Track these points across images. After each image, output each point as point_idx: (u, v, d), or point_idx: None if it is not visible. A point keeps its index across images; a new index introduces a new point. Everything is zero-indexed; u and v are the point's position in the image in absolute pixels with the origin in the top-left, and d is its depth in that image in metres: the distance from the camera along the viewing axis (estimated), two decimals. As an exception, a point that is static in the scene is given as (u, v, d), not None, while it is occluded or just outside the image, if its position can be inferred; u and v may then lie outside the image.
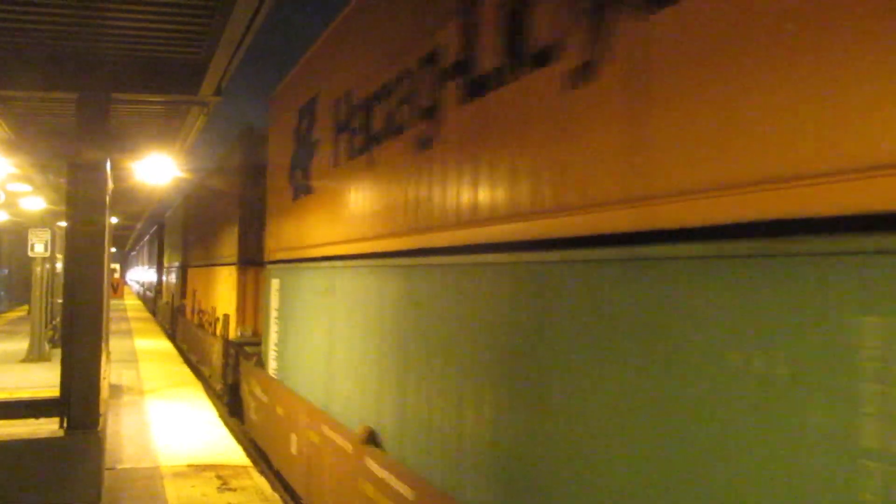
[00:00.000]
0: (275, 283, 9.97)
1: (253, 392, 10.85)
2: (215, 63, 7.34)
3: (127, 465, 8.97)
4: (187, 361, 19.70)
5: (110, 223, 11.13)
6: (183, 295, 24.86)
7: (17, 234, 27.56)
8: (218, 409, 13.11)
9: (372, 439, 5.91)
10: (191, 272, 23.00)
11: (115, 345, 19.74)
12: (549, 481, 3.63)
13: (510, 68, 3.93)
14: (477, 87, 4.31)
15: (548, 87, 3.59)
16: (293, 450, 8.25)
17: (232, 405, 13.08)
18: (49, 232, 17.77)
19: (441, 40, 4.79)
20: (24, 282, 30.02)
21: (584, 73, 3.34)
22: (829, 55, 2.21)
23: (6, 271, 43.06)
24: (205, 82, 7.90)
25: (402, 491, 5.02)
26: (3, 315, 36.07)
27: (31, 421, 7.98)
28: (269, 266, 10.38)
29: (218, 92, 8.33)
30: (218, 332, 15.38)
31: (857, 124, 2.13)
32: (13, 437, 7.39)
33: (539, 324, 3.68)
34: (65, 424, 7.33)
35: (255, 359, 11.10)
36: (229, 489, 8.17)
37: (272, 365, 9.93)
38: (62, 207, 13.36)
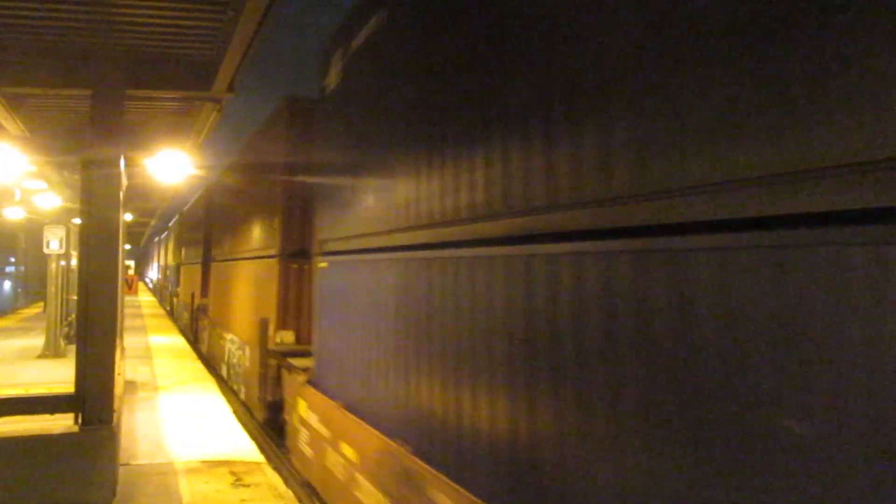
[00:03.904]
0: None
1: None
2: (228, 59, 7.34)
3: (141, 461, 9.01)
4: (201, 357, 19.72)
5: (124, 220, 11.17)
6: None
7: (34, 231, 27.78)
8: (231, 405, 13.16)
9: None
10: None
11: (129, 341, 19.87)
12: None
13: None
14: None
15: None
16: None
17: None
18: (64, 229, 17.89)
19: None
20: (41, 278, 30.27)
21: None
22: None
23: (23, 268, 43.52)
24: (217, 78, 7.90)
25: None
26: (20, 311, 36.45)
27: (47, 417, 8.04)
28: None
29: (231, 88, 8.33)
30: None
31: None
32: (29, 432, 7.45)
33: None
34: (79, 420, 7.36)
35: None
36: (243, 485, 8.18)
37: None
38: (77, 204, 13.44)
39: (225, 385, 15.90)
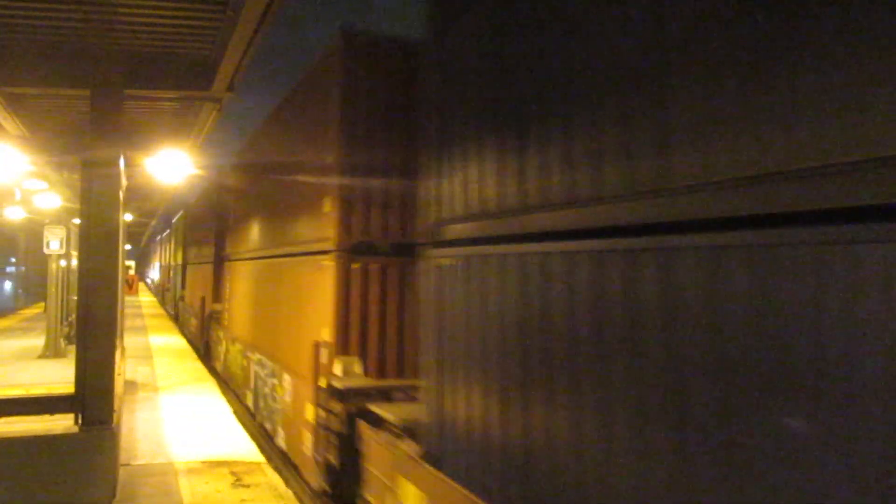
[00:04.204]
0: None
1: None
2: (227, 59, 7.33)
3: (141, 462, 9.00)
4: (201, 358, 19.57)
5: (124, 220, 11.16)
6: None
7: (34, 231, 27.75)
8: (232, 406, 13.14)
9: None
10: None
11: (129, 341, 19.86)
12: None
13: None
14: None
15: None
16: None
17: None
18: (64, 229, 17.88)
19: None
20: (42, 279, 30.25)
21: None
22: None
23: (23, 268, 43.58)
24: (217, 78, 7.89)
25: None
26: (21, 312, 36.46)
27: (47, 417, 8.02)
28: None
29: (230, 88, 8.32)
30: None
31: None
32: (29, 433, 7.43)
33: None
34: (80, 421, 7.35)
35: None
36: (243, 485, 8.18)
37: None
38: (77, 204, 13.43)
39: (260, 429, 11.85)
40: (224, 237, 18.22)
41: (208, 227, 21.30)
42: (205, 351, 20.04)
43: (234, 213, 16.89)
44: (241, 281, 14.90)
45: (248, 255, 14.28)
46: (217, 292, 19.07)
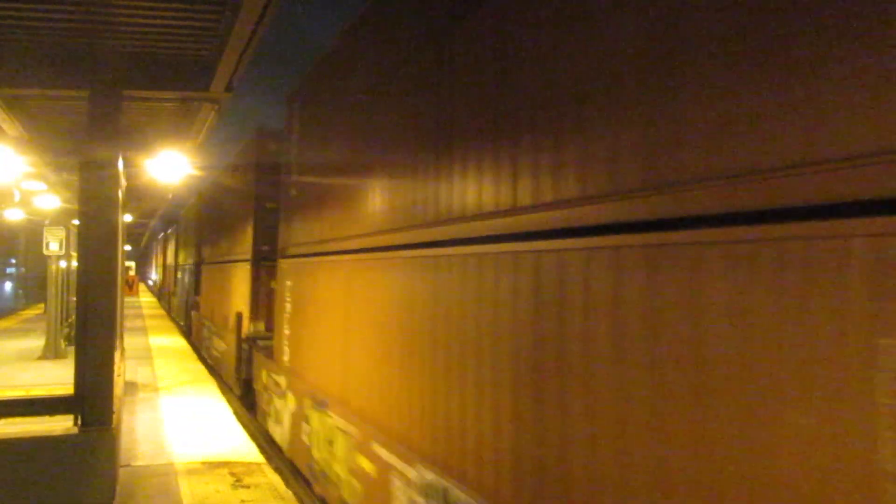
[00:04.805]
0: None
1: None
2: (226, 59, 7.31)
3: (141, 463, 9.00)
4: (201, 358, 19.52)
5: (124, 220, 11.14)
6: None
7: (34, 232, 27.73)
8: (232, 406, 13.13)
9: None
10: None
11: (129, 342, 19.86)
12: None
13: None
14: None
15: None
16: None
17: None
18: (64, 230, 17.88)
19: None
20: (41, 280, 30.23)
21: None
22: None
23: (23, 269, 43.60)
24: (215, 78, 7.88)
25: None
26: (21, 313, 36.45)
27: (47, 418, 8.02)
28: None
29: (229, 88, 8.30)
30: None
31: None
32: (29, 434, 7.43)
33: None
34: (79, 422, 7.35)
35: None
36: (243, 486, 8.17)
37: None
38: (76, 205, 13.37)
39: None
40: (268, 222, 13.00)
41: (239, 212, 15.57)
42: (244, 393, 13.80)
43: (300, 178, 10.20)
44: (333, 294, 8.26)
45: (354, 246, 7.52)
46: (256, 307, 13.91)
